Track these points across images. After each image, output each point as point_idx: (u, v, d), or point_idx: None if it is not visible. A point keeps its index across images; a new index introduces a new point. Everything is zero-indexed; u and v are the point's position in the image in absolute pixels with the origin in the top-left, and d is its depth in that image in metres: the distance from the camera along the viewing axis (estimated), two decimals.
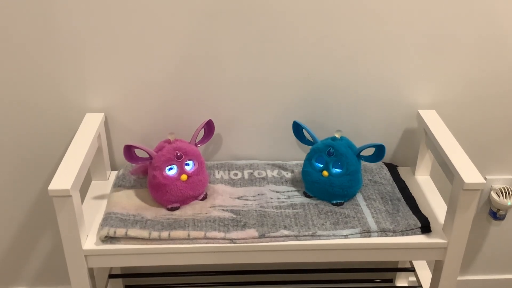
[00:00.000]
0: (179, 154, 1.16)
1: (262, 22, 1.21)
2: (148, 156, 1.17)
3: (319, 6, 1.20)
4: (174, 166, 1.16)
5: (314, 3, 1.19)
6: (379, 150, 1.17)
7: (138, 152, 1.17)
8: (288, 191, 1.25)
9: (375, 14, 1.21)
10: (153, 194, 1.18)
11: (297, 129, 1.26)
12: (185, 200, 1.18)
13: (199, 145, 1.25)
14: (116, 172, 1.33)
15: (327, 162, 1.18)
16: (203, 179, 1.20)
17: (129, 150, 1.15)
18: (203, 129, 1.25)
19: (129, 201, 1.19)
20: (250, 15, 1.20)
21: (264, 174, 1.31)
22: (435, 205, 1.24)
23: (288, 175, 1.31)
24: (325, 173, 1.18)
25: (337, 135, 1.19)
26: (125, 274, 1.47)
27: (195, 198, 1.20)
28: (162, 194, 1.16)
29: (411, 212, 1.17)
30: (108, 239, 1.09)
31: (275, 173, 1.31)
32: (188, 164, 1.18)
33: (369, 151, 1.19)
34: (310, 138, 1.25)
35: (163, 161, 1.15)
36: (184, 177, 1.16)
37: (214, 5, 1.18)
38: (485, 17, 1.23)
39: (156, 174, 1.15)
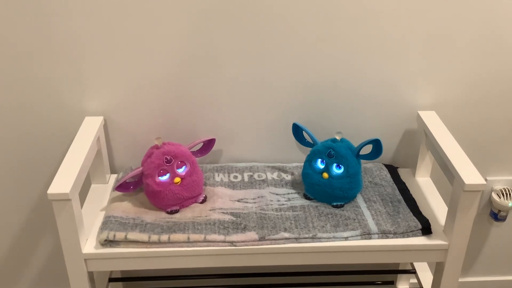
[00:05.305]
0: (168, 158, 1.14)
1: (261, 25, 1.21)
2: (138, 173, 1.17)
3: (318, 8, 1.19)
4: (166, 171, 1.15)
5: (313, 5, 1.19)
6: (377, 146, 1.16)
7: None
8: (288, 194, 1.24)
9: (375, 15, 1.21)
10: (150, 200, 1.18)
11: (297, 131, 1.25)
12: (183, 203, 1.18)
13: (197, 155, 1.24)
14: (115, 175, 1.33)
15: (327, 164, 1.18)
16: (197, 179, 1.19)
17: (120, 186, 1.17)
18: (202, 143, 1.24)
19: (129, 205, 1.19)
20: (248, 18, 1.20)
21: (264, 177, 1.30)
22: (436, 206, 1.23)
23: (288, 177, 1.30)
24: (325, 175, 1.18)
25: (337, 137, 1.19)
26: (125, 278, 1.46)
27: (192, 199, 1.19)
28: (159, 200, 1.16)
29: (411, 214, 1.17)
30: (108, 242, 1.09)
31: (275, 175, 1.31)
32: (179, 167, 1.17)
33: (368, 149, 1.18)
34: (309, 140, 1.24)
35: (153, 168, 1.14)
36: (177, 180, 1.15)
37: (212, 8, 1.18)
38: (484, 18, 1.23)
39: (148, 182, 1.14)
